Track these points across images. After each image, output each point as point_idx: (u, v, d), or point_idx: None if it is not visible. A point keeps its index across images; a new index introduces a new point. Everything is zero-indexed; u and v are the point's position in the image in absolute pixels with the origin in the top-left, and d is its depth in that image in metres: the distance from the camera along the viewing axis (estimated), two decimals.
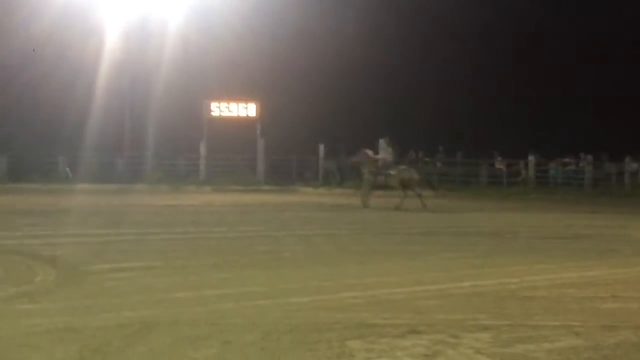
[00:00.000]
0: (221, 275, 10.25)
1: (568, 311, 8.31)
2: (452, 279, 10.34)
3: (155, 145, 39.01)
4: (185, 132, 38.73)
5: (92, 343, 6.45)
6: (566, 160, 38.20)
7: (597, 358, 6.42)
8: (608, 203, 30.02)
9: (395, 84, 41.64)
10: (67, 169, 37.84)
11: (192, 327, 7.09)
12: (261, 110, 39.54)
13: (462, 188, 36.08)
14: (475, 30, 42.33)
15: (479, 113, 41.23)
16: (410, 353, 6.39)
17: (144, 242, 13.90)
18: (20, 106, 37.47)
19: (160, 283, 9.52)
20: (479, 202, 30.18)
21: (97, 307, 7.94)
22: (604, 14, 41.99)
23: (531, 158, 37.82)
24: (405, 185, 24.85)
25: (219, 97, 39.80)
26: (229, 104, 39.78)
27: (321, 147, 38.63)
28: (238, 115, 39.91)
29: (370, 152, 25.67)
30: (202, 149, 39.30)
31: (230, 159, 38.70)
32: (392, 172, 25.02)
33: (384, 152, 25.52)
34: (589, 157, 37.52)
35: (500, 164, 38.80)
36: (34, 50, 35.98)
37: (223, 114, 39.80)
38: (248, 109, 39.82)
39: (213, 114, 39.70)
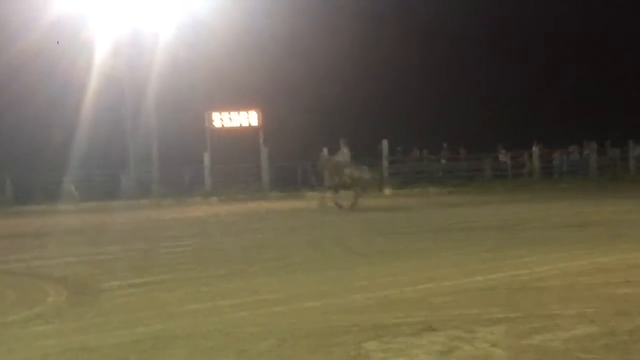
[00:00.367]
0: (232, 285, 10.25)
1: (582, 299, 8.29)
2: (463, 274, 10.33)
3: (159, 159, 39.06)
4: (188, 144, 38.74)
5: None
6: (570, 149, 38.14)
7: (613, 344, 6.41)
8: (614, 189, 30.00)
9: (395, 84, 41.70)
10: (73, 189, 37.86)
11: (207, 338, 7.09)
12: (263, 118, 39.54)
13: (467, 183, 36.07)
14: (475, 27, 42.37)
15: (480, 108, 41.22)
16: (426, 350, 6.38)
17: (153, 257, 13.90)
18: (20, 127, 37.40)
19: (172, 296, 9.52)
20: (485, 196, 30.17)
21: (111, 324, 7.94)
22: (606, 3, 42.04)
23: (535, 149, 37.80)
24: (356, 184, 25.18)
25: (220, 108, 39.82)
26: (230, 113, 39.79)
27: (325, 151, 38.62)
28: (240, 125, 39.93)
29: (326, 155, 26.68)
30: (206, 160, 39.31)
31: (235, 168, 38.73)
32: (346, 171, 25.36)
33: (341, 153, 25.86)
34: (593, 144, 37.48)
35: (504, 157, 38.77)
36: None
37: (225, 124, 39.83)
38: (250, 118, 39.83)
39: (215, 124, 39.71)
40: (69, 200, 35.77)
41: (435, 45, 41.89)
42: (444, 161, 40.09)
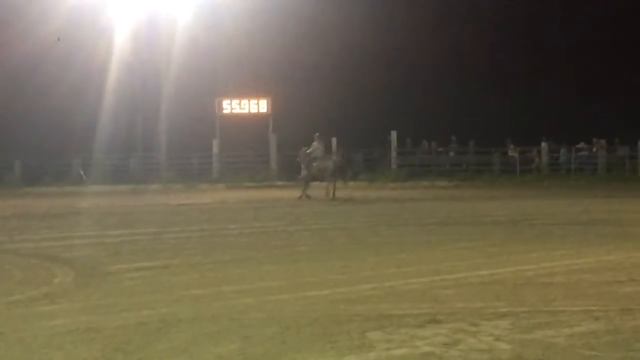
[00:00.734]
0: (238, 271, 10.29)
1: (586, 296, 8.30)
2: (469, 267, 10.35)
3: (168, 145, 39.12)
4: (197, 131, 38.77)
5: (113, 342, 6.49)
6: (579, 145, 38.05)
7: (617, 342, 6.42)
8: (622, 187, 29.94)
9: (407, 75, 41.64)
10: (81, 172, 37.97)
11: (212, 322, 7.13)
12: (272, 106, 39.52)
13: (475, 177, 36.04)
14: (487, 20, 42.25)
15: (490, 101, 41.14)
16: (430, 342, 6.40)
17: (160, 241, 13.95)
18: (31, 110, 37.56)
19: (178, 281, 9.57)
20: (492, 190, 30.14)
21: (117, 306, 7.99)
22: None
23: (544, 145, 37.73)
24: (323, 174, 26.09)
25: (230, 95, 39.82)
26: (240, 100, 39.78)
27: (334, 140, 38.63)
28: (249, 112, 39.92)
29: (304, 149, 27.20)
30: (215, 147, 39.33)
31: (243, 155, 38.75)
32: (314, 163, 26.36)
33: (314, 147, 26.76)
34: (602, 142, 37.37)
35: (513, 152, 38.71)
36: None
37: (234, 111, 39.82)
38: (259, 105, 39.81)
39: (225, 111, 39.70)
40: (77, 183, 35.89)
41: (447, 36, 41.81)
42: (452, 154, 40.05)
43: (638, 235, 14.06)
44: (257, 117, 39.86)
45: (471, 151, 39.43)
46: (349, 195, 25.86)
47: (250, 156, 39.10)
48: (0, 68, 36.84)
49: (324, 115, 38.12)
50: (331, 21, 39.81)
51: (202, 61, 38.01)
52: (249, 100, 39.84)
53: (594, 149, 37.73)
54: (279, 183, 35.80)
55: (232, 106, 39.78)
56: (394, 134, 38.40)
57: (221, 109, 39.58)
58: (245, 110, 39.89)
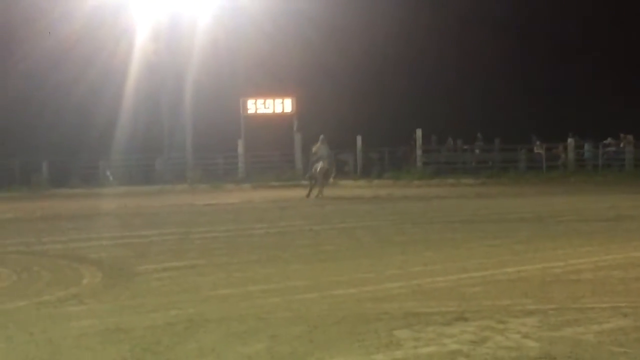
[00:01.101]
0: (265, 271, 10.32)
1: (615, 293, 8.26)
2: (496, 265, 10.32)
3: (194, 145, 39.25)
4: (222, 131, 38.85)
5: (142, 342, 6.54)
6: (606, 141, 37.80)
7: None
8: None
9: (432, 73, 41.50)
10: (108, 173, 38.18)
11: (239, 322, 7.16)
12: (297, 106, 39.55)
13: (501, 174, 35.90)
14: (511, 18, 42.08)
15: (516, 98, 40.94)
16: (458, 340, 6.39)
17: (186, 242, 14.01)
18: (52, 109, 37.67)
19: (205, 281, 9.61)
20: (519, 187, 30.03)
21: (145, 306, 8.04)
22: None
23: (570, 141, 37.52)
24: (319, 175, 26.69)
25: (255, 94, 39.89)
26: (264, 100, 39.85)
27: (359, 139, 38.63)
28: (274, 112, 39.97)
29: (312, 148, 27.96)
30: (240, 147, 39.42)
31: (269, 155, 38.81)
32: (315, 165, 26.91)
33: (317, 147, 27.27)
34: (629, 137, 37.10)
35: (539, 149, 38.51)
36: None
37: (259, 111, 39.89)
38: (284, 105, 39.86)
39: (249, 111, 39.78)
40: (104, 184, 36.10)
41: (472, 34, 41.61)
42: (477, 151, 39.91)
43: None
44: (282, 116, 39.90)
45: (497, 148, 39.27)
46: (338, 195, 26.50)
47: (275, 156, 39.13)
48: (21, 66, 37.08)
49: (348, 114, 38.08)
50: (356, 20, 39.76)
51: (226, 62, 38.05)
52: (273, 100, 39.89)
53: (622, 145, 37.47)
54: (305, 182, 35.77)
55: (257, 106, 39.85)
56: (419, 132, 38.32)
57: (246, 109, 39.65)
58: (270, 110, 39.94)
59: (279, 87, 39.67)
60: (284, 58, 38.86)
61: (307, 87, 38.54)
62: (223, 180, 36.53)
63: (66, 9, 36.01)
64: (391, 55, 41.00)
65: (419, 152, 38.31)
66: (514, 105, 40.48)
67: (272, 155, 38.97)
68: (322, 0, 38.37)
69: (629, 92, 39.34)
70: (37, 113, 37.74)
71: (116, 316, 7.57)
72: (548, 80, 42.00)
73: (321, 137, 27.37)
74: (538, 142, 38.58)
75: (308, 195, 26.23)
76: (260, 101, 39.84)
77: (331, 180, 27.97)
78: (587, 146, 37.99)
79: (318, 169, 26.60)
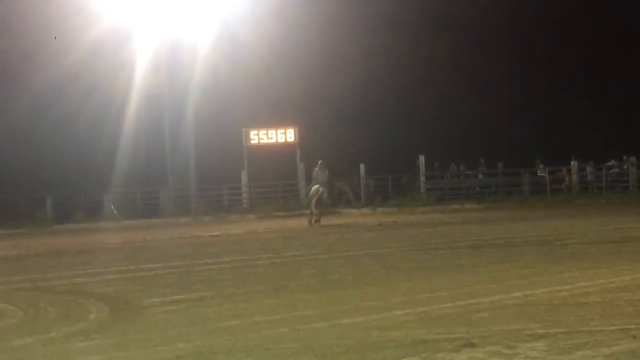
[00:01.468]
0: (271, 301, 10.29)
1: (623, 315, 8.23)
2: (503, 290, 10.29)
3: (198, 177, 39.27)
4: (225, 162, 38.89)
5: None
6: (609, 163, 37.80)
7: None
8: None
9: (433, 99, 41.60)
10: (113, 207, 38.16)
11: (247, 354, 7.13)
12: (300, 135, 39.61)
13: (505, 198, 35.88)
14: (513, 43, 42.26)
15: (517, 123, 41.00)
16: None
17: (192, 274, 13.99)
18: (53, 143, 37.69)
19: (212, 313, 9.59)
20: (523, 211, 29.98)
21: (153, 340, 8.01)
22: None
23: (574, 164, 37.53)
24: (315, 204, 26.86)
25: (257, 125, 39.96)
26: (267, 130, 39.92)
27: (362, 167, 38.63)
28: (277, 141, 40.02)
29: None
30: (244, 178, 39.46)
31: (272, 185, 38.83)
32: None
33: (317, 173, 27.50)
34: (632, 159, 37.11)
35: (542, 172, 38.52)
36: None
37: (262, 141, 39.95)
38: (287, 135, 39.93)
39: (252, 141, 39.84)
40: (109, 218, 36.06)
41: (473, 59, 41.79)
42: (481, 176, 39.92)
43: None
44: (285, 146, 39.94)
45: (500, 173, 39.28)
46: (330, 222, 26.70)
47: (279, 185, 39.16)
48: (23, 99, 37.18)
49: (351, 142, 38.16)
50: (356, 49, 39.92)
51: (225, 93, 38.15)
52: (276, 130, 39.95)
53: (625, 166, 37.47)
54: (309, 211, 35.74)
55: (260, 136, 39.92)
56: (422, 158, 38.33)
57: (249, 139, 39.71)
58: (273, 140, 39.99)
59: (281, 117, 39.75)
60: (285, 87, 38.97)
61: (310, 117, 38.64)
62: (227, 211, 36.53)
63: (66, 43, 36.15)
64: (392, 85, 41.10)
65: (422, 178, 38.31)
66: (516, 130, 40.52)
67: (275, 185, 38.99)
68: (322, 30, 38.57)
69: (633, 115, 39.36)
70: (39, 147, 37.79)
71: (124, 350, 7.55)
72: (549, 104, 42.06)
73: (320, 162, 27.46)
74: (542, 166, 38.60)
75: (310, 223, 26.18)
76: (262, 131, 39.89)
77: (325, 204, 27.91)
78: (589, 168, 38.00)
79: (310, 193, 26.80)
